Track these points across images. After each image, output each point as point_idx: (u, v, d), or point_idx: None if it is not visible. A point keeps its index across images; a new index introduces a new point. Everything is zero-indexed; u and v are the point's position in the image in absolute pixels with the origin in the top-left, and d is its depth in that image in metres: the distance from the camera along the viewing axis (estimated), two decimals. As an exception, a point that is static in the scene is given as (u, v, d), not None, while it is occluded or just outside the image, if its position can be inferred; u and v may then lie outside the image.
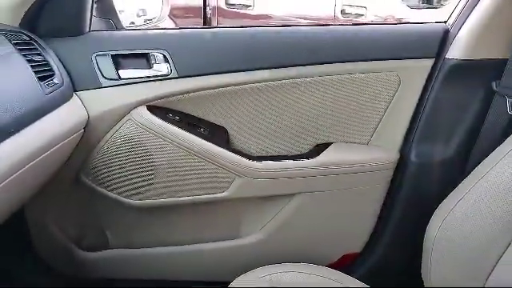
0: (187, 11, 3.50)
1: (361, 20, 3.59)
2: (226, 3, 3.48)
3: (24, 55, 0.72)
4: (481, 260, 0.70)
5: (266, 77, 0.88)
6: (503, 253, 0.69)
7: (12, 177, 0.62)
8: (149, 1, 1.30)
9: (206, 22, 3.37)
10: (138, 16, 1.28)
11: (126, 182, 0.90)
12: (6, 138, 0.60)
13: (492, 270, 0.70)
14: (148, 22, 1.29)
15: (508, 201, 0.67)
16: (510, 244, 0.68)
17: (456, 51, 0.85)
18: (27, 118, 0.66)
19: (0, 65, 0.66)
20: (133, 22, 1.30)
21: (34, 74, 0.72)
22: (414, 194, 0.93)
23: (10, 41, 0.72)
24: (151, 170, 0.89)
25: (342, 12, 3.54)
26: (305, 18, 3.62)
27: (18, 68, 0.69)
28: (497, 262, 0.69)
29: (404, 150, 0.94)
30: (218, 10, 3.46)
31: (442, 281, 0.78)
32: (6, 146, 0.60)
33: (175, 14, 3.19)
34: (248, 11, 3.46)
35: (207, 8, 3.42)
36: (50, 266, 1.00)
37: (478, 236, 0.70)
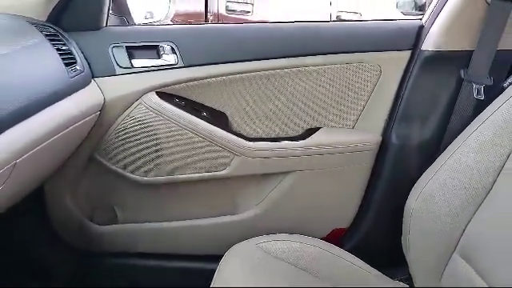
0: (189, 17, 3.63)
1: (247, 17, 3.66)
2: (227, 10, 3.61)
3: (52, 44, 0.83)
4: (451, 229, 0.80)
5: (260, 67, 0.99)
6: (469, 221, 0.78)
7: (40, 146, 0.72)
8: (155, 4, 1.41)
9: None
10: (146, 18, 1.39)
11: (136, 161, 1.00)
12: (41, 110, 0.71)
13: (461, 237, 0.80)
14: (154, 23, 1.40)
15: (471, 176, 0.77)
16: (475, 213, 0.78)
17: (429, 44, 0.96)
18: (56, 96, 0.77)
19: (35, 51, 0.77)
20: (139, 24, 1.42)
21: (61, 60, 0.83)
22: (394, 173, 1.03)
23: (41, 32, 0.83)
24: (159, 149, 0.99)
25: (338, 18, 3.68)
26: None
27: (48, 54, 0.80)
28: (464, 230, 0.79)
29: (385, 133, 1.04)
30: (218, 16, 3.58)
31: (418, 250, 0.88)
32: (42, 117, 0.71)
33: (178, 20, 3.32)
34: (247, 17, 3.58)
35: (208, 14, 3.55)
36: (64, 240, 1.09)
37: (449, 208, 0.80)
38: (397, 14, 3.96)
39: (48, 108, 0.74)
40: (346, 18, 3.69)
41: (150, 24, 1.18)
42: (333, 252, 0.91)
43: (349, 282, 0.87)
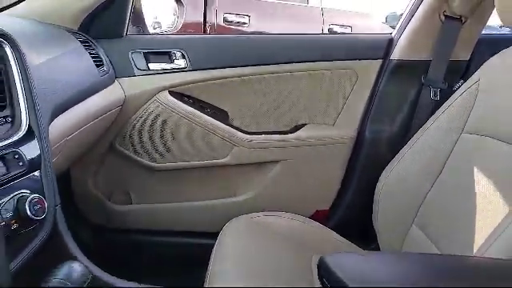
0: (188, 27, 3.83)
1: (243, 28, 3.88)
2: (224, 21, 3.81)
3: (85, 49, 1.02)
4: (411, 204, 0.98)
5: (255, 71, 1.18)
6: (425, 196, 0.97)
7: (79, 130, 0.90)
8: (162, 16, 1.60)
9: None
10: (154, 28, 1.58)
11: (149, 149, 1.18)
12: (80, 101, 0.90)
13: (418, 210, 0.98)
14: (159, 24, 1.58)
15: (429, 158, 0.96)
16: (430, 189, 0.96)
17: (396, 54, 1.16)
18: (90, 91, 0.95)
19: (74, 55, 0.95)
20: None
21: (92, 62, 1.01)
22: (368, 162, 1.21)
23: (76, 39, 1.01)
24: (169, 139, 1.18)
25: (330, 30, 3.90)
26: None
27: (83, 58, 0.99)
28: (421, 204, 0.97)
29: (360, 129, 1.23)
30: (216, 26, 3.78)
31: (384, 223, 1.06)
32: (81, 107, 0.89)
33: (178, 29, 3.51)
34: (244, 28, 3.78)
35: (207, 25, 3.75)
36: (85, 216, 1.26)
37: (410, 186, 0.99)
38: (384, 28, 4.21)
39: (85, 100, 0.93)
40: (337, 31, 3.91)
41: (163, 34, 1.37)
42: (313, 225, 1.09)
43: (324, 250, 1.05)
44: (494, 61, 0.90)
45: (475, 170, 0.85)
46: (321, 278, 0.61)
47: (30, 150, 0.60)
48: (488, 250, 0.69)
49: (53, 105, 0.75)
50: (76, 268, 0.51)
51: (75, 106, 0.88)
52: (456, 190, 0.89)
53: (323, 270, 0.59)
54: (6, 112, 0.62)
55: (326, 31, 3.94)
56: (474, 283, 0.54)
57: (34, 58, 0.72)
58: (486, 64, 0.92)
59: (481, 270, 0.60)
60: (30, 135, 0.62)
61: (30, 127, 0.62)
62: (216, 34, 3.77)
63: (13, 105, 0.61)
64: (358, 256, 0.74)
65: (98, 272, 0.81)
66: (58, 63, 0.87)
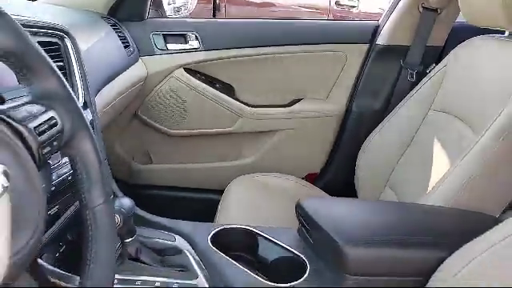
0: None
1: (353, 10, 4.03)
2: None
3: (115, 32, 1.21)
4: (386, 167, 1.19)
5: (259, 52, 1.36)
6: (398, 161, 1.17)
7: (114, 101, 1.11)
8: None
9: (216, 8, 3.82)
10: (169, 4, 1.73)
11: (167, 118, 1.40)
12: (115, 78, 1.10)
13: (392, 172, 1.18)
14: (176, 9, 1.74)
15: (403, 128, 1.15)
16: (402, 154, 1.16)
17: (381, 39, 1.34)
18: (121, 69, 1.15)
19: (108, 38, 1.15)
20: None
21: (121, 44, 1.21)
22: (353, 133, 1.41)
23: (107, 23, 1.20)
24: (184, 109, 1.38)
25: (337, 3, 3.98)
26: (304, 7, 4.07)
27: (114, 40, 1.18)
28: (394, 168, 1.18)
29: (348, 104, 1.42)
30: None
31: (363, 184, 1.27)
32: (115, 83, 1.09)
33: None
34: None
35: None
36: (112, 174, 1.49)
37: (386, 152, 1.19)
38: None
39: (117, 77, 1.13)
40: (345, 3, 3.99)
41: (181, 17, 1.55)
42: (304, 184, 1.31)
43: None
44: (460, 48, 1.05)
45: (436, 143, 1.05)
46: (298, 217, 0.83)
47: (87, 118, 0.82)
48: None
49: (96, 83, 0.95)
50: (126, 201, 0.73)
51: (110, 83, 1.08)
52: (418, 159, 1.10)
53: (299, 210, 0.81)
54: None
55: (333, 3, 4.02)
56: (414, 219, 0.76)
57: (83, 45, 0.92)
58: (453, 51, 1.08)
59: (422, 211, 0.82)
60: (85, 108, 0.83)
61: (85, 102, 0.83)
62: (223, 7, 3.90)
63: (72, 85, 0.82)
64: (328, 200, 0.96)
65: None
66: (98, 46, 1.06)
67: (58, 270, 0.64)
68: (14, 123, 0.39)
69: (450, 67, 1.07)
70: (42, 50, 0.44)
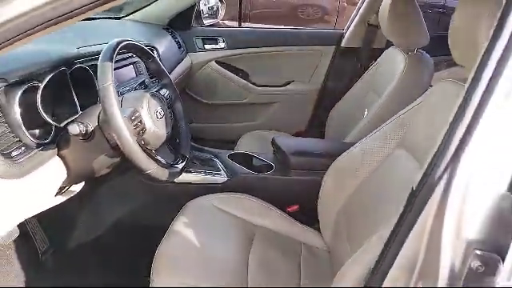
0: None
1: None
2: None
3: (173, 38, 1.96)
4: (343, 124, 1.91)
5: (263, 50, 2.09)
6: (353, 118, 1.90)
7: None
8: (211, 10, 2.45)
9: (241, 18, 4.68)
10: (205, 15, 2.45)
11: (204, 93, 2.16)
12: (175, 68, 1.86)
13: (347, 127, 1.91)
14: (210, 16, 2.46)
15: (353, 101, 1.87)
16: (355, 114, 1.89)
17: (343, 43, 2.04)
18: (177, 63, 1.92)
19: (169, 42, 1.90)
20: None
21: (176, 45, 1.96)
22: (326, 104, 2.12)
23: (168, 33, 1.96)
24: (215, 89, 2.14)
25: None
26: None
27: (173, 44, 1.94)
28: (349, 122, 1.91)
29: (323, 85, 2.14)
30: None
31: (331, 135, 2.00)
32: (174, 72, 1.86)
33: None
34: None
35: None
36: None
37: (343, 115, 1.91)
38: None
39: (177, 66, 1.89)
40: None
41: (212, 26, 2.29)
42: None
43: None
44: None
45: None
46: (272, 145, 1.58)
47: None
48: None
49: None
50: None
51: (173, 71, 1.85)
52: (364, 116, 1.82)
53: (274, 142, 1.56)
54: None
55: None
56: (335, 146, 1.50)
57: (160, 49, 1.67)
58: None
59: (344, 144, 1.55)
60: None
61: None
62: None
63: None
64: (292, 138, 1.71)
65: None
66: (166, 48, 1.82)
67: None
68: (159, 95, 1.16)
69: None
70: (160, 64, 1.21)
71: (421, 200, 0.56)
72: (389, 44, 1.87)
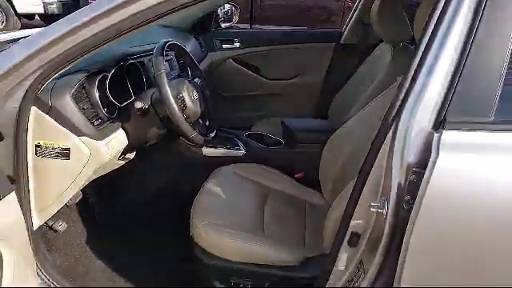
0: None
1: None
2: None
3: (196, 40, 2.31)
4: (343, 108, 2.23)
5: (270, 48, 2.42)
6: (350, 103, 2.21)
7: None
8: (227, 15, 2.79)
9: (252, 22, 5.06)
10: (222, 20, 2.79)
11: (222, 85, 2.49)
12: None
13: (344, 111, 2.23)
14: (226, 20, 2.80)
15: (350, 89, 2.19)
16: (352, 100, 2.20)
17: (342, 40, 2.35)
18: (200, 59, 2.26)
19: (193, 44, 2.24)
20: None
21: (199, 46, 2.31)
22: (328, 94, 2.44)
23: (193, 36, 2.30)
24: (232, 80, 2.48)
25: None
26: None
27: (196, 44, 2.28)
28: (346, 106, 2.23)
29: (325, 77, 2.45)
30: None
31: (333, 116, 2.32)
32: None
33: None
34: None
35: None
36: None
37: (343, 101, 2.23)
38: None
39: (200, 65, 2.23)
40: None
41: (229, 28, 2.63)
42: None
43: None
44: None
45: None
46: (282, 126, 1.91)
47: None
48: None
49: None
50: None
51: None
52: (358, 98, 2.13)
53: (283, 124, 1.89)
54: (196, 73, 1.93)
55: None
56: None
57: (188, 50, 2.01)
58: None
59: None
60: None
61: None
62: None
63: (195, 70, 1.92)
64: (299, 119, 2.04)
65: None
66: (192, 50, 2.16)
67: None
68: (193, 82, 1.50)
69: None
70: (193, 59, 1.55)
71: (378, 142, 0.88)
72: (381, 40, 2.18)
